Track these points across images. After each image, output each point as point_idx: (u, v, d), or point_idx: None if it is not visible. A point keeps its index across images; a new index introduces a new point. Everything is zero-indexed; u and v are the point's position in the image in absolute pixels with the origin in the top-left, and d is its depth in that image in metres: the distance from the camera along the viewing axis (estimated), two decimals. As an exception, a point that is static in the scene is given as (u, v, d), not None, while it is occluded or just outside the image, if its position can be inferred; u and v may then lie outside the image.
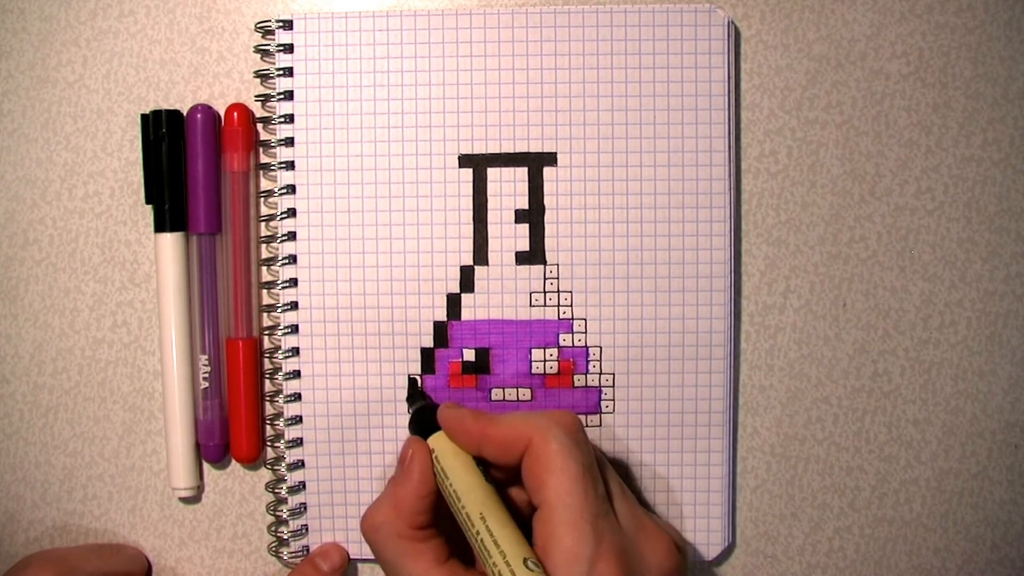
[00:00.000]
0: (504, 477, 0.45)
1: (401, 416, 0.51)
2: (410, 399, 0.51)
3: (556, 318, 0.50)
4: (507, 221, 0.50)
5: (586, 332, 0.50)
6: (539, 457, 0.41)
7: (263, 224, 0.51)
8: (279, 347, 0.51)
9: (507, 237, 0.50)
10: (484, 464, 0.44)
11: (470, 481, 0.43)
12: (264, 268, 0.52)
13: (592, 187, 0.50)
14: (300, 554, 0.52)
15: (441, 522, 0.45)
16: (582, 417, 0.51)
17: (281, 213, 0.50)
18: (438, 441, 0.45)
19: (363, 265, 0.50)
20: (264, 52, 0.51)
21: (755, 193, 0.51)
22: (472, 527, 0.41)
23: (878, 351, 0.52)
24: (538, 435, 0.41)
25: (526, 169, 0.50)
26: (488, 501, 0.42)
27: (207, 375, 0.51)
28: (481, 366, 0.51)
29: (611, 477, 0.44)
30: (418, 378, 0.51)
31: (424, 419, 0.47)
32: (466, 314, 0.51)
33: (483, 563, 0.41)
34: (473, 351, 0.51)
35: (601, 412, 0.51)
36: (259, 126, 0.51)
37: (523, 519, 0.43)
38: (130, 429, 0.53)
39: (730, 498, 0.51)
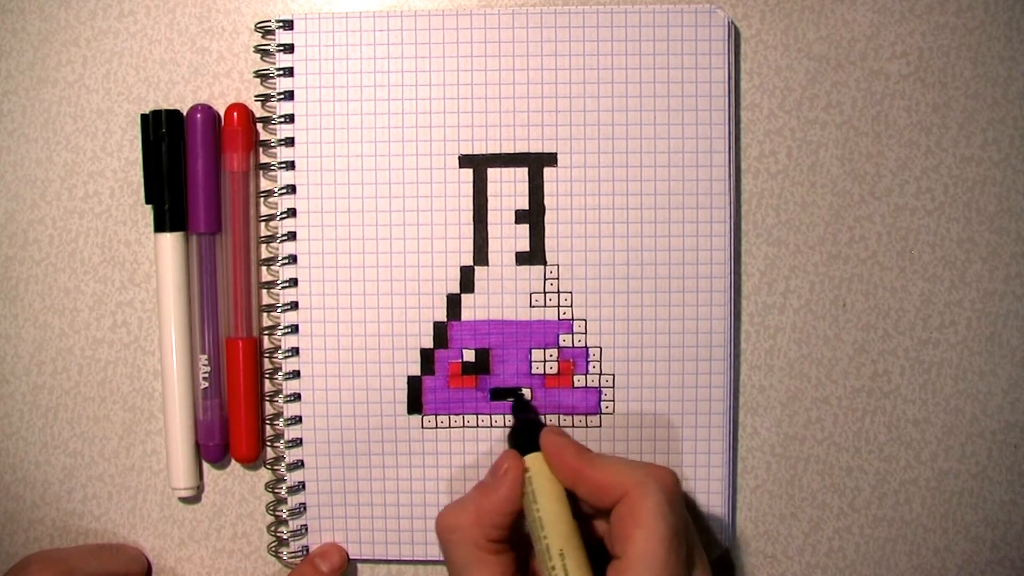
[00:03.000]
0: (591, 513, 0.45)
1: (400, 417, 0.51)
2: (516, 410, 0.51)
3: (556, 318, 0.50)
4: (507, 221, 0.50)
5: (586, 332, 0.50)
6: (632, 511, 0.41)
7: (263, 224, 0.51)
8: (279, 347, 0.51)
9: (507, 237, 0.50)
10: (573, 496, 0.44)
11: (557, 512, 0.43)
12: (264, 268, 0.52)
13: (592, 187, 0.50)
14: (300, 554, 0.52)
15: (513, 536, 0.45)
16: (582, 417, 0.51)
17: (281, 213, 0.50)
18: (534, 462, 0.45)
19: (363, 265, 0.50)
20: (264, 52, 0.50)
21: (755, 193, 0.51)
22: (549, 560, 0.42)
23: (878, 351, 0.52)
24: (636, 489, 0.41)
25: (526, 169, 0.50)
26: (571, 538, 0.42)
27: (207, 375, 0.51)
28: (481, 366, 0.51)
29: (695, 544, 0.43)
30: (527, 391, 0.51)
31: (525, 434, 0.47)
32: (466, 314, 0.51)
33: None
34: (473, 351, 0.51)
35: (601, 412, 0.51)
36: (259, 126, 0.51)
37: (598, 552, 0.43)
38: (130, 429, 0.53)
39: (730, 498, 0.51)
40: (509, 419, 0.51)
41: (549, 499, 0.43)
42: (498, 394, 0.51)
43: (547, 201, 0.50)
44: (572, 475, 0.43)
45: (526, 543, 0.45)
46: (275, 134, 0.50)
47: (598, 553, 0.43)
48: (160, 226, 0.51)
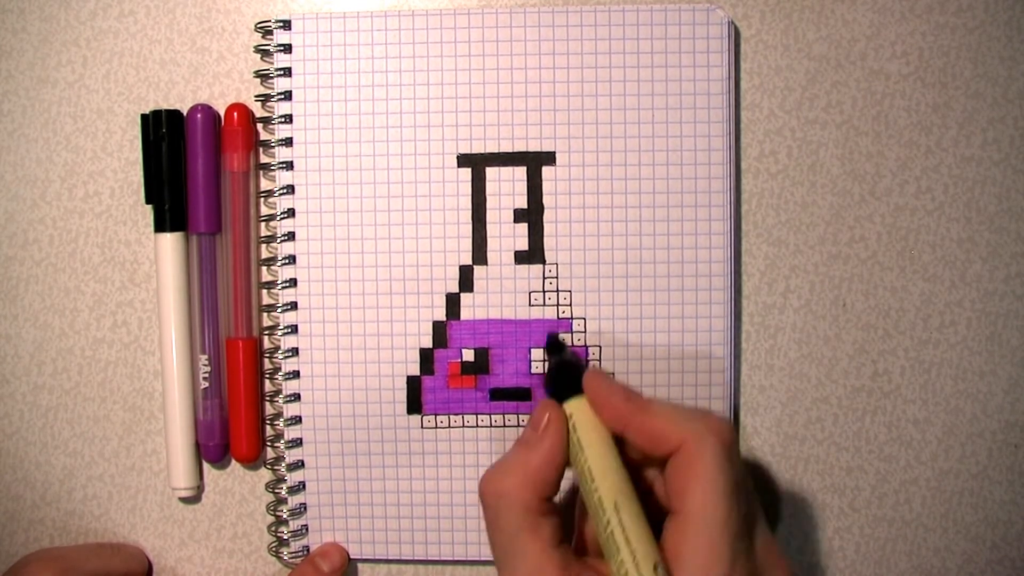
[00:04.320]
0: (638, 460, 0.42)
1: (400, 417, 0.51)
2: (549, 349, 0.48)
3: (555, 317, 0.50)
4: (506, 220, 0.50)
5: (585, 332, 0.50)
6: (690, 463, 0.38)
7: (263, 224, 0.51)
8: (279, 347, 0.51)
9: (506, 236, 0.50)
10: (620, 442, 0.41)
11: (608, 461, 0.40)
12: (264, 268, 0.52)
13: (591, 186, 0.50)
14: (300, 554, 0.52)
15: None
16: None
17: (281, 213, 0.50)
18: (576, 408, 0.41)
19: (362, 265, 0.50)
20: (264, 52, 0.51)
21: (755, 193, 0.51)
22: (603, 515, 0.39)
23: (878, 351, 0.52)
24: (693, 440, 0.39)
25: (525, 168, 0.50)
26: (624, 488, 0.39)
27: (207, 375, 0.51)
28: (480, 366, 0.51)
29: (755, 500, 0.41)
30: (559, 334, 0.49)
31: (564, 378, 0.43)
32: (465, 314, 0.51)
33: (606, 554, 0.39)
34: (472, 351, 0.51)
35: (601, 412, 0.51)
36: (259, 126, 0.51)
37: (647, 504, 0.40)
38: (130, 429, 0.53)
39: (730, 498, 0.51)
40: (510, 418, 0.51)
41: (596, 447, 0.40)
42: (498, 394, 0.51)
43: (546, 200, 0.50)
44: (622, 422, 0.40)
45: (573, 493, 0.42)
46: (274, 134, 0.50)
47: (648, 505, 0.40)
48: (160, 226, 0.51)
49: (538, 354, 0.51)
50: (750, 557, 0.38)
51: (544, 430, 0.41)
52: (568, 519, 0.43)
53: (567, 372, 0.43)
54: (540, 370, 0.51)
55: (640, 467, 0.42)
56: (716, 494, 0.38)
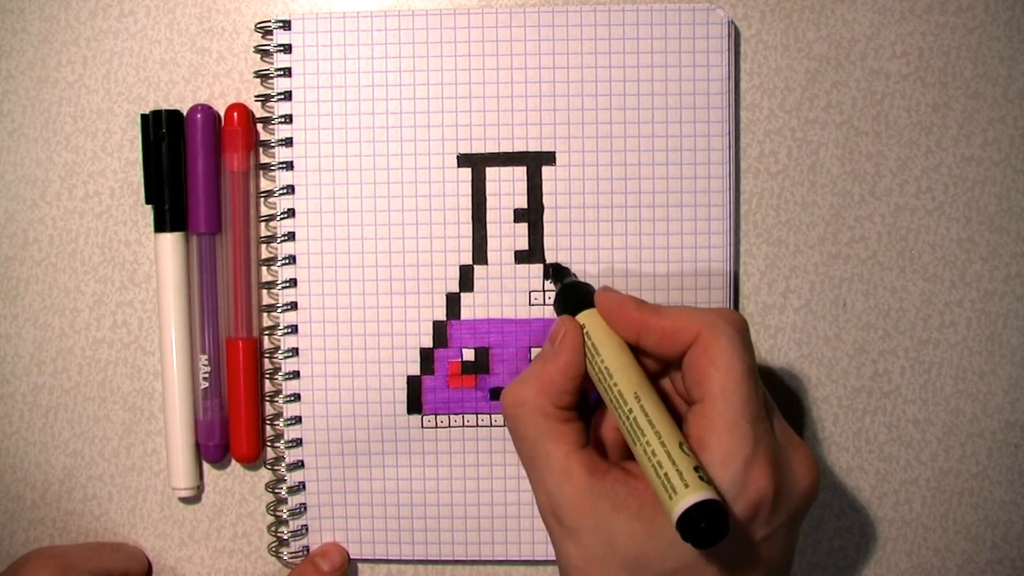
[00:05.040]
0: (656, 369, 0.43)
1: (400, 417, 0.51)
2: (555, 276, 0.49)
3: (556, 317, 0.50)
4: (506, 220, 0.50)
5: (585, 332, 0.50)
6: (707, 351, 0.39)
7: (263, 224, 0.51)
8: (279, 347, 0.51)
9: (506, 236, 0.50)
10: (636, 351, 0.42)
11: (624, 360, 0.41)
12: (264, 268, 0.52)
13: (591, 186, 0.50)
14: (300, 554, 0.52)
15: (580, 407, 0.43)
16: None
17: (280, 213, 0.50)
18: (590, 318, 0.42)
19: (362, 265, 0.50)
20: (264, 52, 0.51)
21: (755, 193, 0.51)
22: (624, 404, 0.39)
23: (878, 351, 0.52)
24: (707, 329, 0.39)
25: (525, 168, 0.50)
26: (642, 382, 0.40)
27: (207, 375, 0.51)
28: (481, 366, 0.51)
29: (764, 387, 0.41)
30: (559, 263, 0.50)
31: (572, 296, 0.44)
32: (465, 313, 0.51)
33: (632, 443, 0.39)
34: (472, 351, 0.51)
35: (601, 412, 0.51)
36: (259, 126, 0.51)
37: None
38: (130, 429, 0.53)
39: (730, 498, 0.51)
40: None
41: (612, 349, 0.41)
42: (498, 394, 0.51)
43: (546, 200, 0.50)
44: (636, 327, 0.41)
45: (591, 415, 0.43)
46: (274, 134, 0.50)
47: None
48: (160, 226, 0.51)
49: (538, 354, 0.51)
50: (771, 440, 0.39)
51: (561, 342, 0.42)
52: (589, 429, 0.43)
53: (576, 291, 0.45)
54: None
55: (655, 377, 0.43)
56: (735, 376, 0.38)
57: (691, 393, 0.40)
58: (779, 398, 0.51)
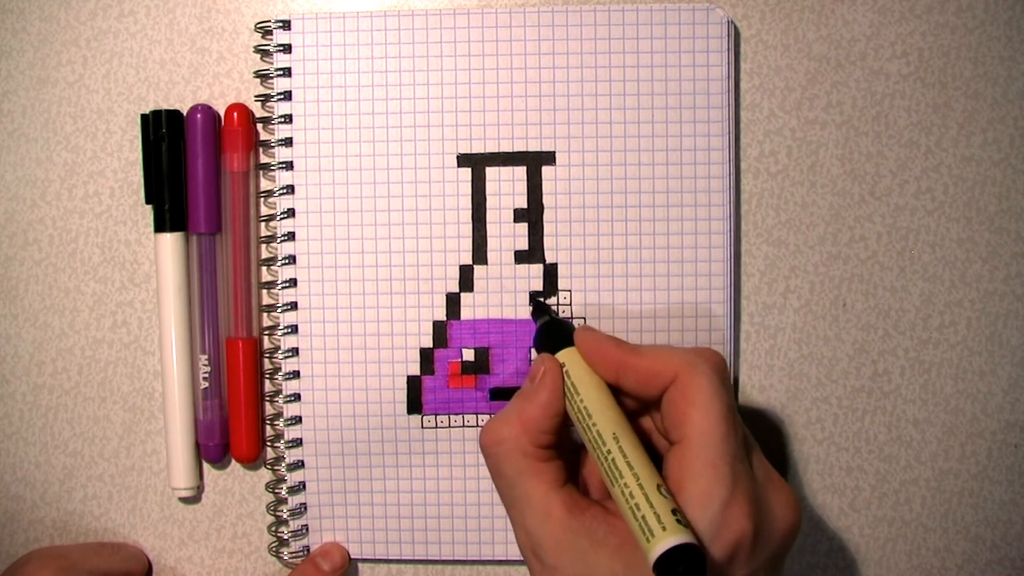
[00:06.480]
0: (635, 407, 0.43)
1: (400, 417, 0.51)
2: (536, 313, 0.49)
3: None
4: (506, 220, 0.50)
5: (585, 332, 0.50)
6: (685, 391, 0.39)
7: (263, 224, 0.51)
8: (279, 347, 0.51)
9: (506, 236, 0.50)
10: (615, 391, 0.42)
11: (603, 400, 0.41)
12: (264, 268, 0.52)
13: (591, 186, 0.50)
14: (300, 554, 0.52)
15: (563, 443, 0.43)
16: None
17: (281, 213, 0.50)
18: (569, 357, 0.43)
19: (362, 265, 0.50)
20: (264, 52, 0.51)
21: (755, 193, 0.51)
22: (603, 445, 0.39)
23: (878, 351, 0.52)
24: (686, 370, 0.40)
25: (525, 168, 0.50)
26: (621, 423, 0.40)
27: (207, 375, 0.51)
28: (481, 366, 0.51)
29: (743, 426, 0.42)
30: (541, 299, 0.50)
31: (553, 334, 0.45)
32: (465, 313, 0.51)
33: (610, 484, 0.39)
34: (472, 351, 0.51)
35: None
36: (259, 126, 0.51)
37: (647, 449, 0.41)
38: (130, 429, 0.53)
39: (730, 498, 0.51)
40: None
41: (590, 389, 0.41)
42: (498, 394, 0.51)
43: (546, 200, 0.50)
44: (615, 367, 0.41)
45: (574, 453, 0.43)
46: (274, 134, 0.50)
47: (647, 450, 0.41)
48: (160, 226, 0.51)
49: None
50: (750, 480, 0.39)
51: (540, 380, 0.42)
52: (575, 465, 0.43)
53: (556, 329, 0.45)
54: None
55: (635, 415, 0.43)
56: (713, 416, 0.38)
57: (670, 433, 0.40)
58: (779, 399, 0.52)
